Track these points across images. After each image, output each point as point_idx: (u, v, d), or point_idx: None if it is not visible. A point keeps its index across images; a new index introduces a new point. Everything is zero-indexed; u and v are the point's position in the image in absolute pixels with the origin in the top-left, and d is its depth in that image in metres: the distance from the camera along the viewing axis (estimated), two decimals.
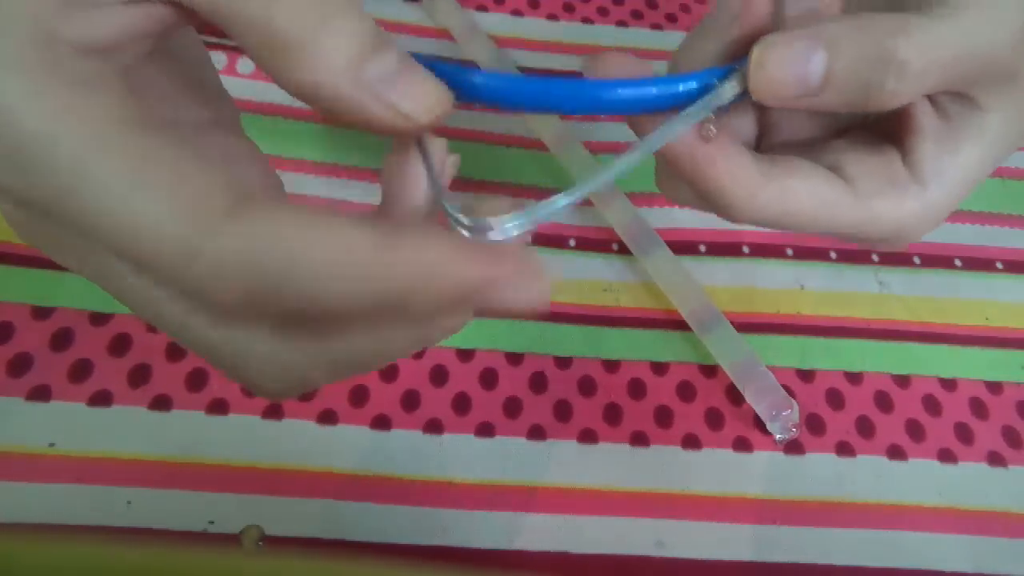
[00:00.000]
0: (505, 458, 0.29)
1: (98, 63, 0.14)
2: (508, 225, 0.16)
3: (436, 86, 0.16)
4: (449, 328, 0.17)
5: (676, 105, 0.18)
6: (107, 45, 0.14)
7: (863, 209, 0.20)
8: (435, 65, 0.16)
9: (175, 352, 0.29)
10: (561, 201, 0.16)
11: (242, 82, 0.36)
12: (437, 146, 0.18)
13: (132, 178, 0.13)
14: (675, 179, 0.21)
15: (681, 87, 0.18)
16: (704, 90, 0.18)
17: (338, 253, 0.13)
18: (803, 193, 0.20)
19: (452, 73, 0.16)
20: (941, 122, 0.20)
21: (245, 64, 0.37)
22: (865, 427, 0.31)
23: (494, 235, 0.16)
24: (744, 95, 0.18)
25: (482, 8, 0.42)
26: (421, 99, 0.15)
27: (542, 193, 0.36)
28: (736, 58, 0.19)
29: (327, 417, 0.29)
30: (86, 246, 0.15)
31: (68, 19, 0.14)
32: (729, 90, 0.18)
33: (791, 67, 0.18)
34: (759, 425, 0.30)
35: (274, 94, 0.36)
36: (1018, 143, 0.21)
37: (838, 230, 0.21)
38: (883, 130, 0.21)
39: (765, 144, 0.23)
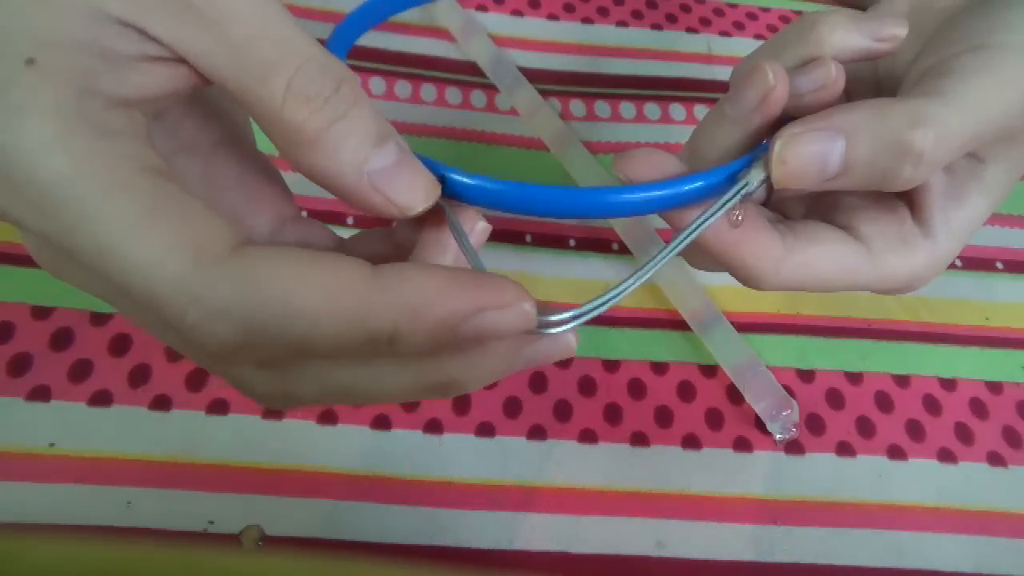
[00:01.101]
0: (505, 458, 0.29)
1: (124, 114, 0.15)
2: (568, 322, 0.17)
3: (427, 181, 0.17)
4: (463, 376, 0.17)
5: (685, 202, 0.19)
6: (135, 100, 0.15)
7: (879, 267, 0.21)
8: (427, 162, 0.18)
9: (175, 352, 0.29)
10: (612, 298, 0.18)
11: None
12: (469, 217, 0.19)
13: (137, 221, 0.14)
14: (700, 253, 0.22)
15: (687, 187, 0.19)
16: (730, 181, 0.19)
17: (331, 294, 0.14)
18: (823, 260, 0.21)
19: (438, 170, 0.18)
20: (948, 178, 0.21)
21: None
22: (865, 427, 0.31)
23: (555, 331, 0.17)
24: (767, 180, 0.19)
25: (482, 8, 0.42)
26: (413, 193, 0.17)
27: None
28: (755, 142, 0.20)
29: (327, 417, 0.29)
30: (92, 276, 0.16)
31: (101, 76, 0.15)
32: (755, 179, 0.19)
33: (812, 161, 0.19)
34: (759, 425, 0.30)
35: None
36: (1013, 187, 0.22)
37: (855, 288, 0.22)
38: None
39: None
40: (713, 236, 0.20)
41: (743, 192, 0.19)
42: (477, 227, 0.19)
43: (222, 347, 0.15)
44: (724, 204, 0.19)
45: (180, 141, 0.18)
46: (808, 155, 0.18)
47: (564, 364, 0.31)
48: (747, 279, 0.21)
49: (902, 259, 0.21)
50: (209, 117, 0.19)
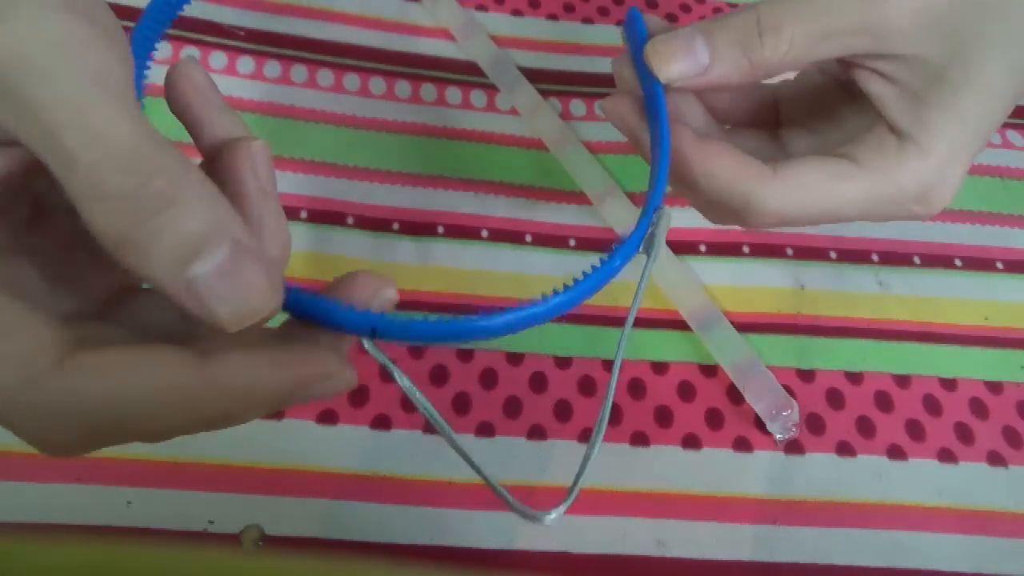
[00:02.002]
0: (505, 458, 0.29)
1: None
2: (560, 512, 0.19)
3: (261, 292, 0.15)
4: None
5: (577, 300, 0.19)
6: None
7: (873, 176, 0.22)
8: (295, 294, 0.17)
9: None
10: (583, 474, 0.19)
11: (241, 82, 0.36)
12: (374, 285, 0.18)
13: None
14: (706, 200, 0.24)
15: (555, 302, 0.18)
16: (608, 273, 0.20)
17: (162, 393, 0.15)
18: (813, 174, 0.22)
19: (318, 308, 0.17)
20: (902, 90, 0.22)
21: (245, 64, 0.37)
22: (865, 427, 0.31)
23: (550, 521, 0.19)
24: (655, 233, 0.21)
25: (482, 8, 0.42)
26: (239, 305, 0.15)
27: (542, 193, 0.36)
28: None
29: (327, 417, 0.29)
30: None
31: None
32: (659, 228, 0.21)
33: (681, 45, 0.22)
34: (759, 425, 0.30)
35: (275, 95, 0.36)
36: (1010, 80, 0.22)
37: (860, 207, 0.23)
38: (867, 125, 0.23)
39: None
40: (692, 149, 0.22)
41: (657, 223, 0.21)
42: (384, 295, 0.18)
43: (63, 448, 0.15)
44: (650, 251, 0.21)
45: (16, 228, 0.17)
46: (675, 40, 0.22)
47: (564, 364, 0.31)
48: (738, 208, 0.22)
49: (894, 167, 0.22)
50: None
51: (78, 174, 0.14)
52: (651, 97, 0.23)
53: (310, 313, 0.17)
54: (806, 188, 0.22)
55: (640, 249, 0.21)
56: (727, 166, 0.22)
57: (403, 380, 0.18)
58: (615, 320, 0.33)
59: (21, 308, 0.15)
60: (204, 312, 0.14)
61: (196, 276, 0.14)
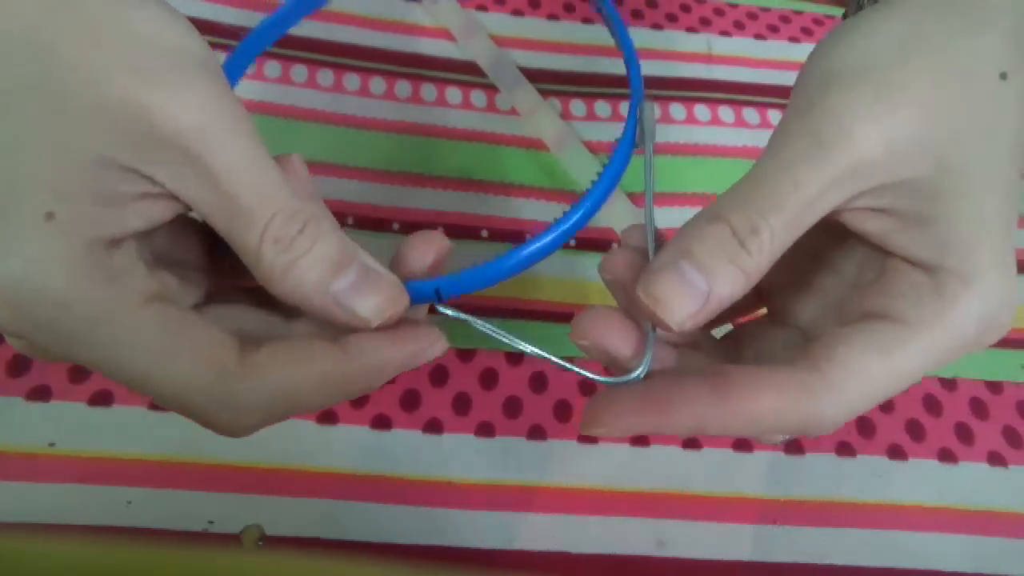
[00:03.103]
0: (505, 458, 0.29)
1: (123, 252, 0.18)
2: (645, 366, 0.20)
3: (390, 293, 0.19)
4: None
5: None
6: (130, 234, 0.18)
7: (933, 337, 0.19)
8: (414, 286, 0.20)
9: None
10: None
11: (242, 82, 0.36)
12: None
13: (162, 355, 0.17)
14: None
15: (577, 216, 0.22)
16: None
17: (322, 382, 0.18)
18: (865, 362, 0.19)
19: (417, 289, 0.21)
20: (902, 218, 0.19)
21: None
22: (865, 427, 0.31)
23: (637, 376, 0.20)
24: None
25: (482, 8, 0.42)
26: (376, 305, 0.19)
27: (542, 193, 0.36)
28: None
29: (327, 417, 0.29)
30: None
31: (105, 222, 0.17)
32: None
33: (678, 285, 0.18)
34: None
35: (275, 95, 0.36)
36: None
37: (929, 368, 0.19)
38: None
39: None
40: (717, 409, 0.18)
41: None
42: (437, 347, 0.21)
43: (246, 431, 0.18)
44: None
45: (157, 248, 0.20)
46: (665, 276, 0.18)
47: None
48: (798, 432, 0.19)
49: (944, 313, 0.19)
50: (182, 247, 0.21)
51: (255, 228, 0.18)
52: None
53: None
54: (860, 380, 0.18)
55: (636, 145, 0.23)
56: (768, 405, 0.18)
57: (484, 327, 0.21)
58: None
59: (193, 317, 0.18)
60: (350, 317, 0.18)
61: (338, 291, 0.18)
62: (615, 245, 0.21)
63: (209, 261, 0.21)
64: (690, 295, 0.18)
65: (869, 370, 0.18)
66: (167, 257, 0.20)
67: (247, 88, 0.36)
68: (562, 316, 0.32)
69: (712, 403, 0.18)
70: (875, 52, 0.19)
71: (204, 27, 0.37)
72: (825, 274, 0.22)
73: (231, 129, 0.17)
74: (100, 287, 0.17)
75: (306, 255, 0.18)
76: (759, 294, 0.23)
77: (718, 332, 0.24)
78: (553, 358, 0.20)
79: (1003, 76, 0.18)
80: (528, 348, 0.21)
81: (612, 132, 0.38)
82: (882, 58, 0.19)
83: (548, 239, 0.21)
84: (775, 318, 0.24)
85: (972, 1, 0.19)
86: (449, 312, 0.21)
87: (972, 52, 0.18)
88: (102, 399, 0.28)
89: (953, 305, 0.18)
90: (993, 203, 0.18)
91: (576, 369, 0.21)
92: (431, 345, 0.20)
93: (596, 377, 0.20)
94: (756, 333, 0.24)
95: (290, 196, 0.18)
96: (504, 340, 0.21)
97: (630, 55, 0.25)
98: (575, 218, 0.21)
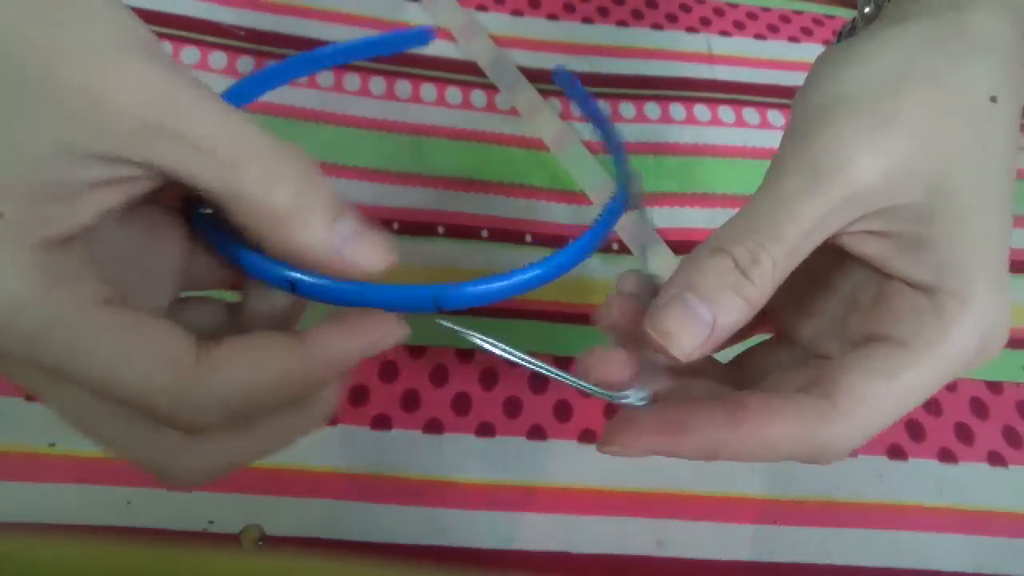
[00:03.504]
0: (505, 458, 0.29)
1: (74, 253, 0.17)
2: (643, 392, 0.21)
3: (384, 246, 0.19)
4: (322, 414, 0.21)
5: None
6: (81, 230, 0.17)
7: (936, 357, 0.20)
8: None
9: None
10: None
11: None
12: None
13: (117, 352, 0.17)
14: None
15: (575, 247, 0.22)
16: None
17: (279, 375, 0.18)
18: (872, 386, 0.20)
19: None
20: (900, 241, 0.20)
21: (244, 64, 0.37)
22: None
23: (631, 401, 0.21)
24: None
25: (482, 8, 0.42)
26: (374, 256, 0.19)
27: (542, 193, 0.36)
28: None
29: None
30: (61, 389, 0.18)
31: (55, 219, 0.17)
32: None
33: (683, 317, 0.19)
34: None
35: (276, 95, 0.36)
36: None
37: (935, 388, 0.20)
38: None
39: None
40: (733, 436, 0.20)
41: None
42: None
43: (204, 429, 0.18)
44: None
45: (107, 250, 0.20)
46: (673, 310, 0.19)
47: (564, 364, 0.31)
48: (810, 459, 0.20)
49: (945, 334, 0.19)
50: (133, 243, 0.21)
51: (248, 175, 0.17)
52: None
53: (375, 302, 0.20)
54: (869, 405, 0.19)
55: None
56: (783, 431, 0.19)
57: (484, 342, 0.20)
58: None
59: (148, 318, 0.18)
60: (350, 266, 0.19)
61: (338, 241, 0.18)
62: (609, 296, 0.22)
63: (186, 260, 0.21)
64: (696, 326, 0.19)
65: (878, 395, 0.19)
66: (132, 259, 0.20)
67: None
68: (563, 316, 0.32)
69: (727, 428, 0.19)
70: (870, 83, 0.19)
71: (204, 27, 0.37)
72: (826, 295, 0.23)
73: (197, 98, 0.17)
74: (52, 288, 0.16)
75: (316, 201, 0.18)
76: (762, 316, 0.23)
77: (725, 355, 0.24)
78: (564, 375, 0.20)
79: (993, 99, 0.19)
80: (534, 364, 0.20)
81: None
82: (877, 88, 0.19)
83: (557, 262, 0.21)
84: (777, 339, 0.24)
85: (964, 31, 0.20)
86: (449, 324, 0.20)
87: (964, 79, 0.19)
88: None
89: (953, 327, 0.19)
90: (987, 223, 0.19)
91: (586, 387, 0.21)
92: (389, 333, 0.20)
93: (591, 389, 0.21)
94: (760, 355, 0.24)
95: (277, 142, 0.18)
96: (508, 356, 0.20)
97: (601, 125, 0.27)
98: (575, 247, 0.22)
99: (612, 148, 0.28)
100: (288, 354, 0.18)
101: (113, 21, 0.17)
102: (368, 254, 0.19)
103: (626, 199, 0.26)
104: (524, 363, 0.20)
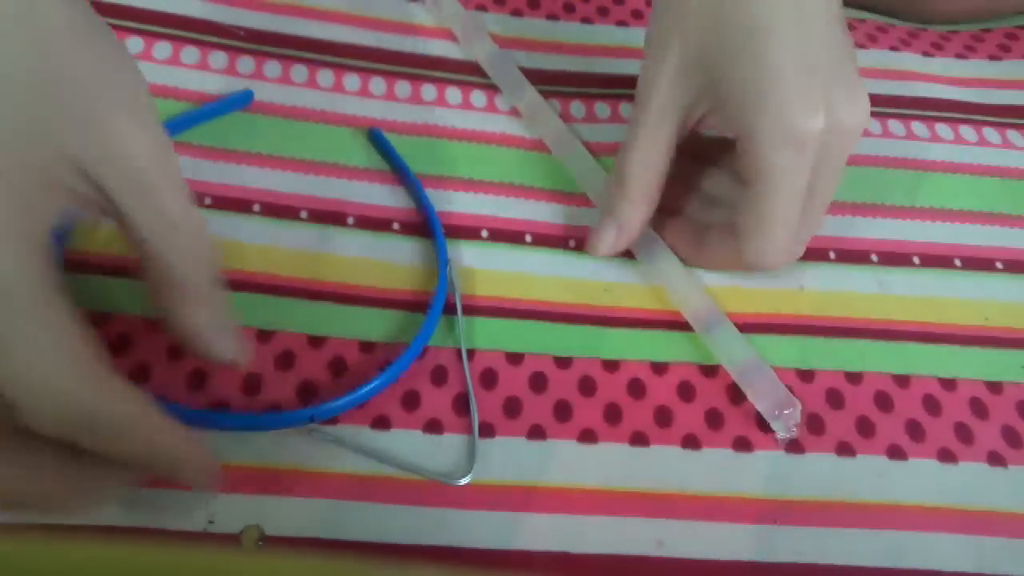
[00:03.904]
0: (505, 458, 0.29)
1: (45, 235, 0.20)
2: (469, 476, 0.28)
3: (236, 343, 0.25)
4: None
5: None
6: (50, 223, 0.20)
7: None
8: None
9: (176, 352, 0.29)
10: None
11: (242, 81, 0.36)
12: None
13: (57, 345, 0.19)
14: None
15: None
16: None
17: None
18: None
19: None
20: (722, 107, 0.29)
21: (244, 64, 0.37)
22: (865, 427, 0.31)
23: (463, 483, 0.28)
24: None
25: (482, 8, 0.42)
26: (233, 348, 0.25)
27: (542, 193, 0.36)
28: None
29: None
30: None
31: (41, 201, 0.19)
32: None
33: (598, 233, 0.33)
34: (759, 424, 0.30)
35: (276, 95, 0.36)
36: None
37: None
38: None
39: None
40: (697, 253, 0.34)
41: None
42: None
43: (39, 427, 0.19)
44: None
45: None
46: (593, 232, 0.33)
47: (564, 364, 0.31)
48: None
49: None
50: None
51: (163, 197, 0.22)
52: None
53: (242, 426, 0.27)
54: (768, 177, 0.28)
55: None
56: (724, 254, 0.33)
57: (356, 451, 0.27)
58: (615, 320, 0.33)
59: (76, 317, 0.20)
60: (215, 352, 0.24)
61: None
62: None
63: None
64: (607, 235, 0.33)
65: (765, 204, 0.28)
66: None
67: (246, 87, 0.36)
68: (563, 316, 0.32)
69: (691, 248, 0.34)
70: None
71: (204, 27, 0.37)
72: (699, 181, 0.34)
73: (165, 163, 0.22)
74: (47, 269, 0.19)
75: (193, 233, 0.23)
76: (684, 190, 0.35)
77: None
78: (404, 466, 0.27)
79: None
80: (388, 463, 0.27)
81: (612, 133, 0.38)
82: None
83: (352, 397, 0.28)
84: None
85: None
86: (322, 438, 0.27)
87: None
88: None
89: (762, 115, 0.27)
90: (788, 50, 0.26)
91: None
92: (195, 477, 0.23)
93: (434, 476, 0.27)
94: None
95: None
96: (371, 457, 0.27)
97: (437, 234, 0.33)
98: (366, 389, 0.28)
99: (434, 231, 0.33)
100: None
101: (128, 68, 0.22)
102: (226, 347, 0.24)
103: (446, 290, 0.31)
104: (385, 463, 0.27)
